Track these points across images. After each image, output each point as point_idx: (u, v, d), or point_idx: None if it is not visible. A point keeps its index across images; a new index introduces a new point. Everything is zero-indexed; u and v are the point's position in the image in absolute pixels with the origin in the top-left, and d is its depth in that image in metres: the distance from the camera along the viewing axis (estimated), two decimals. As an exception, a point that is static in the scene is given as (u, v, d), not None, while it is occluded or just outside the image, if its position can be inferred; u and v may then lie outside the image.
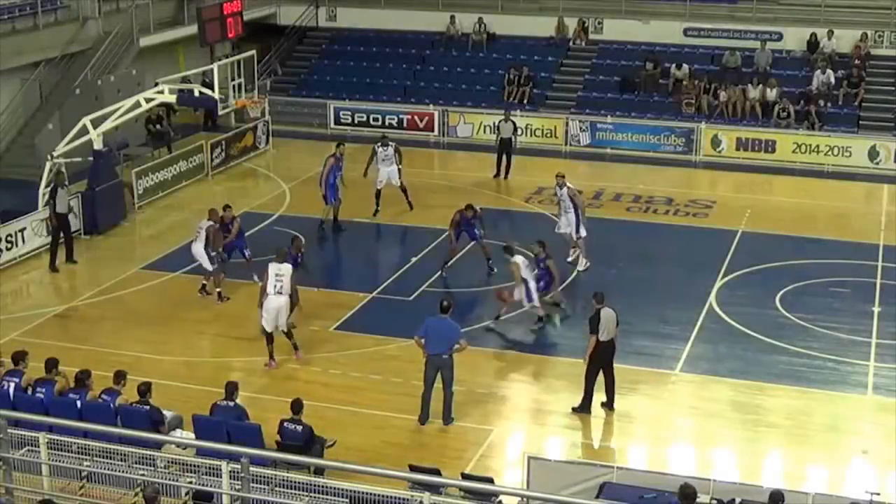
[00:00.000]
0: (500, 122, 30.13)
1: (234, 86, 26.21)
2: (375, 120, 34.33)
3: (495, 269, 22.44)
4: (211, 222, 21.65)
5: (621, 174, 30.48)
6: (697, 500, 12.40)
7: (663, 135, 32.34)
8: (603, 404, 17.55)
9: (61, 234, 23.69)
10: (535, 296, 20.17)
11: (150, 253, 24.52)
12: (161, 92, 26.13)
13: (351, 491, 12.41)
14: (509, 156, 29.79)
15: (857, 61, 33.69)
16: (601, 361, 17.33)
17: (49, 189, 23.66)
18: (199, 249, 21.58)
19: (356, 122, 34.47)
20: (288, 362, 19.15)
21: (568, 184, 23.39)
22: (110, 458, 12.96)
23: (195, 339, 20.16)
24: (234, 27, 32.80)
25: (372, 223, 25.87)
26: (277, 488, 12.46)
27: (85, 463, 12.97)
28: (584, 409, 17.47)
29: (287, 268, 18.82)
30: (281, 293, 18.62)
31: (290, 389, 17.11)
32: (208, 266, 21.57)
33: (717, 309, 21.36)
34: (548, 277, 20.77)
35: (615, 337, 17.42)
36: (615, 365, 18.06)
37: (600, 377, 17.44)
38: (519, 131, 31.51)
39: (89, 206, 25.19)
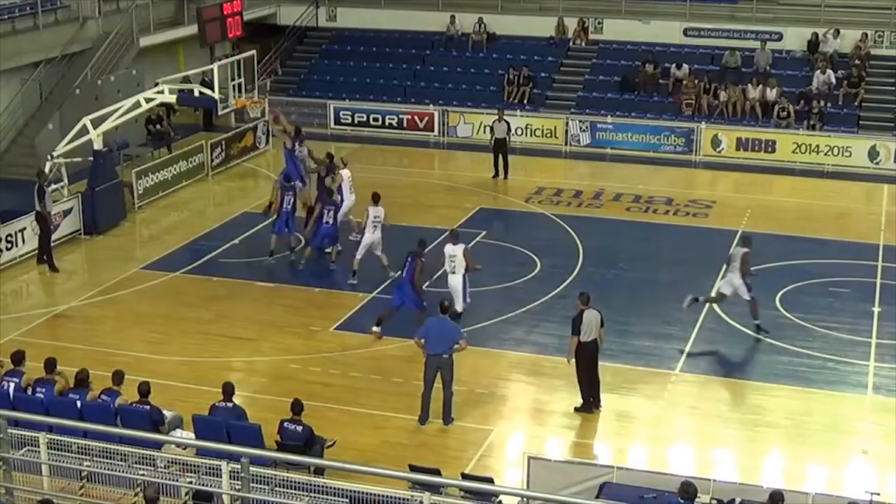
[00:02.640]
0: (493, 122, 30.08)
1: (234, 86, 26.22)
2: (375, 120, 34.35)
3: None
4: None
5: (621, 174, 30.48)
6: (697, 499, 12.41)
7: (663, 135, 32.35)
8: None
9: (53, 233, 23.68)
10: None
11: (150, 253, 24.52)
12: (161, 92, 26.13)
13: (351, 491, 12.41)
14: (505, 156, 29.78)
15: (857, 61, 33.69)
16: (586, 362, 17.36)
17: (36, 189, 23.53)
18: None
19: (356, 122, 34.48)
20: (291, 362, 19.16)
21: (341, 165, 24.48)
22: (110, 458, 12.96)
23: (195, 339, 20.15)
24: (234, 27, 32.87)
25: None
26: (277, 488, 12.47)
27: (85, 463, 12.97)
28: (584, 409, 17.50)
29: (459, 248, 19.85)
30: (455, 272, 19.79)
31: (290, 389, 17.10)
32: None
33: (717, 309, 21.34)
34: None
35: (599, 338, 17.42)
36: (613, 365, 18.16)
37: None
38: (514, 131, 31.49)
39: (89, 206, 25.18)
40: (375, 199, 22.48)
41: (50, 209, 23.60)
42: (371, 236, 22.22)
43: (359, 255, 22.31)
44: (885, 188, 29.25)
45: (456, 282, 20.34)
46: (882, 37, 34.43)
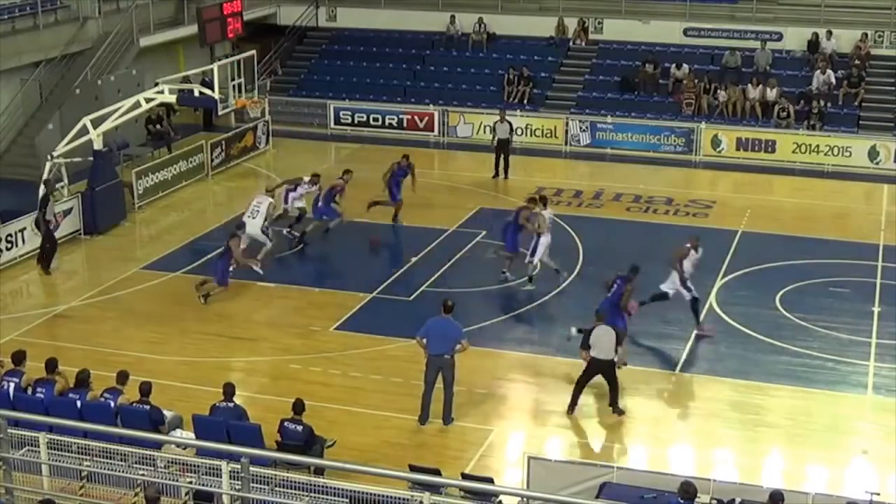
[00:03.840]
0: (496, 122, 30.12)
1: (234, 86, 26.22)
2: (375, 120, 34.35)
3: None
4: None
5: (621, 174, 30.48)
6: (697, 499, 12.42)
7: (663, 135, 32.35)
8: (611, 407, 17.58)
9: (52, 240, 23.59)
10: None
11: (150, 253, 24.52)
12: (161, 92, 26.13)
13: (351, 491, 12.42)
14: (507, 156, 29.81)
15: (857, 61, 33.70)
16: (589, 374, 17.36)
17: (41, 198, 23.48)
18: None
19: (356, 122, 34.47)
20: (291, 362, 19.17)
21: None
22: (110, 458, 12.97)
23: (195, 339, 20.15)
24: (234, 27, 32.88)
25: (371, 223, 25.82)
26: (277, 488, 12.47)
27: (85, 463, 12.98)
28: (569, 409, 17.49)
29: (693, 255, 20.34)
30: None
31: (291, 389, 17.11)
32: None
33: (717, 309, 21.36)
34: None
35: (619, 356, 17.37)
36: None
37: (600, 379, 17.44)
38: (516, 131, 31.50)
39: (89, 206, 25.17)
40: (545, 201, 22.90)
41: (51, 217, 23.58)
42: (548, 238, 22.26)
43: (545, 258, 22.30)
44: (885, 188, 29.25)
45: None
46: (882, 37, 34.44)
